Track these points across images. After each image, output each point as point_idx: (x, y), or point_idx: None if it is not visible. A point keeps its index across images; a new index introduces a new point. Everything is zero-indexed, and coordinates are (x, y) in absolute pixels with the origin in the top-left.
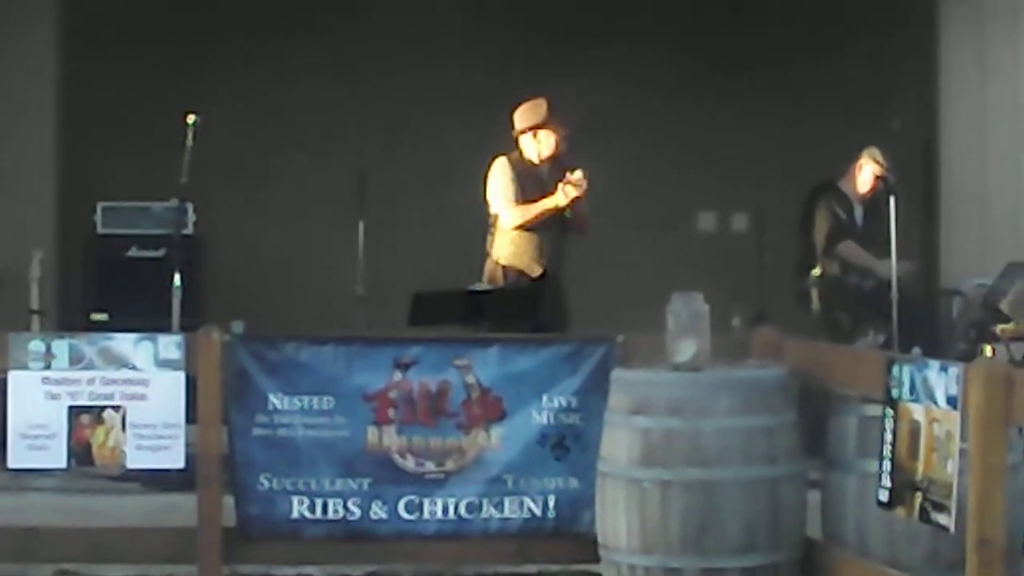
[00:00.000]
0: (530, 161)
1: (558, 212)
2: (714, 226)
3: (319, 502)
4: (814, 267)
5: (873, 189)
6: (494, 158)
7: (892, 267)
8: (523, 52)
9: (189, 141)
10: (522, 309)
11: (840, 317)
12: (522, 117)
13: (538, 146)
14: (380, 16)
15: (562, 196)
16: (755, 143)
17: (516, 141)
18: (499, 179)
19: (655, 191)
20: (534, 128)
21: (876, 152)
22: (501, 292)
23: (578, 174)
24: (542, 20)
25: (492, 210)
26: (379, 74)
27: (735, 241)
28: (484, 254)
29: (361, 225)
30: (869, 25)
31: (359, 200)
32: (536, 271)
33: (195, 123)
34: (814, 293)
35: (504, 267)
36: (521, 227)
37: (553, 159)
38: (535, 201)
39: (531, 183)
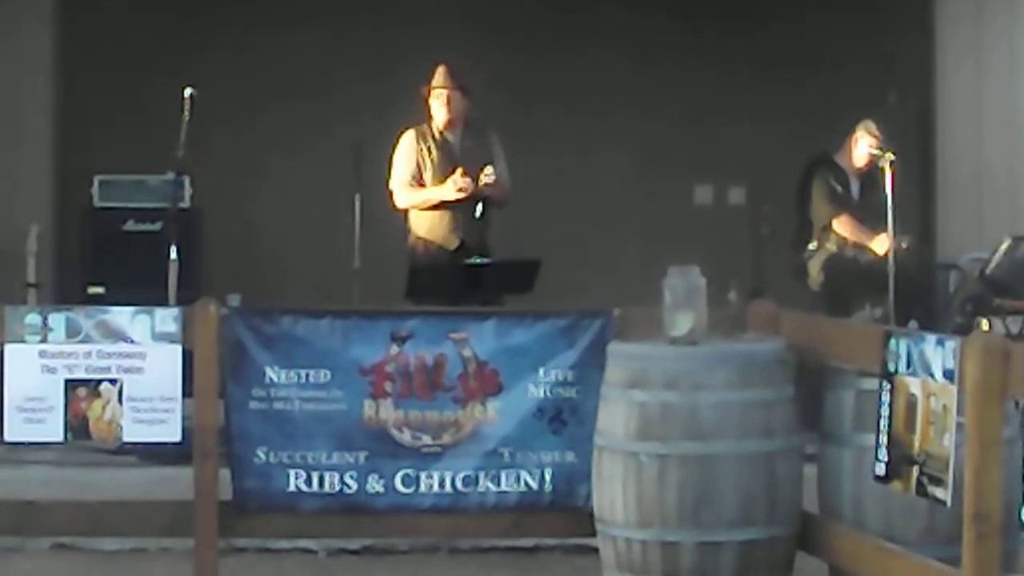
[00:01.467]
0: (438, 128)
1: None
2: (711, 199)
3: (316, 475)
4: (810, 240)
5: (869, 163)
6: (402, 131)
7: (888, 241)
8: (519, 23)
9: (186, 114)
10: (519, 282)
11: (837, 290)
12: (432, 79)
13: (435, 109)
14: None
15: (450, 189)
16: (751, 116)
17: (426, 104)
18: (397, 157)
19: (652, 165)
20: (430, 90)
21: (872, 125)
22: (498, 265)
23: (489, 170)
24: (532, 5)
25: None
26: (376, 47)
27: (732, 214)
28: (405, 230)
29: (357, 198)
30: (867, 1)
31: (355, 174)
32: (454, 243)
33: (192, 96)
34: (811, 266)
35: (424, 240)
36: (406, 209)
37: (452, 124)
38: (436, 171)
39: (440, 156)
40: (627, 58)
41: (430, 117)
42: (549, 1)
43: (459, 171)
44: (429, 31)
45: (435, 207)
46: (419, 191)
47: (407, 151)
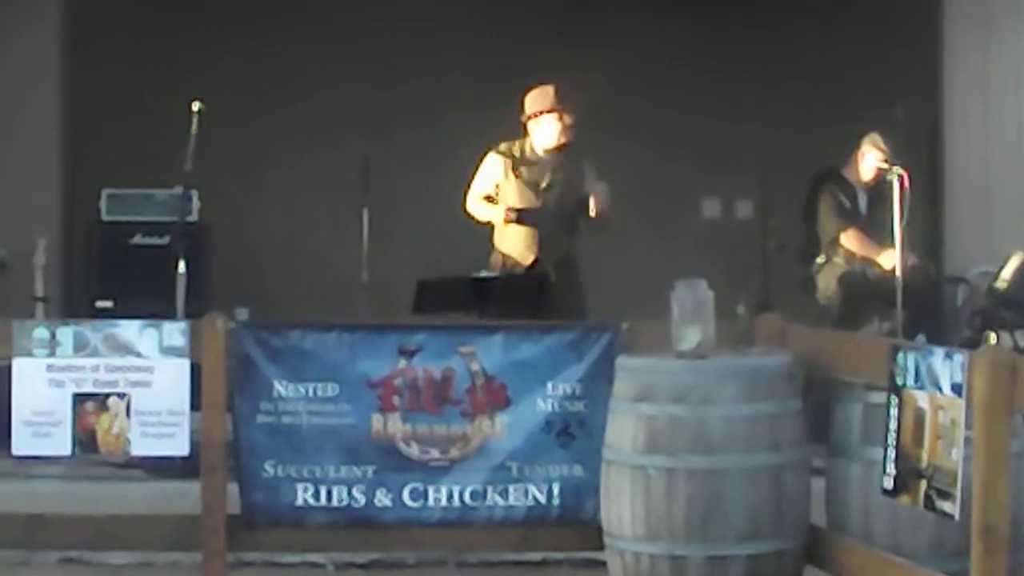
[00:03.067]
0: (532, 150)
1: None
2: (719, 213)
3: (323, 489)
4: (818, 254)
5: (877, 177)
6: (487, 150)
7: (896, 255)
8: (528, 39)
9: (194, 128)
10: (528, 296)
11: (845, 304)
12: (529, 102)
13: (541, 133)
14: (386, 5)
15: (500, 217)
16: (759, 130)
17: (525, 127)
18: (483, 165)
19: (659, 178)
20: (538, 114)
21: (878, 138)
22: (506, 279)
23: (599, 188)
24: (547, 6)
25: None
26: (383, 60)
27: (739, 228)
28: (490, 246)
29: (365, 212)
30: (873, 11)
31: (363, 187)
32: (528, 259)
33: (200, 110)
34: (819, 280)
35: (504, 256)
36: (481, 222)
37: (559, 149)
38: (523, 190)
39: (528, 171)
40: (634, 69)
41: (526, 134)
42: (560, 12)
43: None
44: (437, 43)
45: (517, 225)
46: (481, 206)
47: (487, 167)
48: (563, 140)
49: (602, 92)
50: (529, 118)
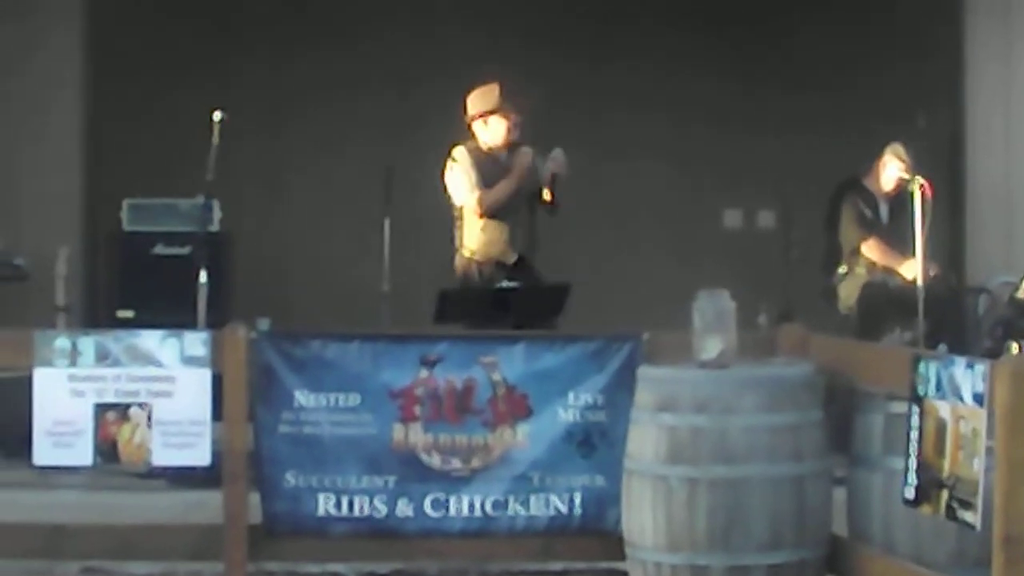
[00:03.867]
0: (487, 148)
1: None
2: (740, 223)
3: (345, 499)
4: (840, 264)
5: (898, 187)
6: (451, 148)
7: (917, 264)
8: (549, 51)
9: (215, 138)
10: (549, 306)
11: (866, 314)
12: (473, 103)
13: (490, 133)
14: (408, 14)
15: (519, 166)
16: (781, 140)
17: (469, 127)
18: (459, 168)
19: (681, 188)
20: (484, 114)
21: (900, 149)
22: (528, 290)
23: (557, 152)
24: (568, 17)
25: (456, 202)
26: (405, 70)
27: (761, 238)
28: (453, 250)
29: (387, 222)
30: (895, 22)
31: (385, 197)
32: (511, 258)
33: (221, 120)
34: (840, 290)
35: (478, 261)
36: (493, 211)
37: (507, 147)
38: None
39: (491, 171)
40: (656, 81)
41: (474, 136)
42: (582, 24)
43: (557, 150)
44: (458, 51)
45: (497, 214)
46: (498, 186)
47: (466, 160)
48: (510, 139)
49: (545, 94)
50: (473, 119)
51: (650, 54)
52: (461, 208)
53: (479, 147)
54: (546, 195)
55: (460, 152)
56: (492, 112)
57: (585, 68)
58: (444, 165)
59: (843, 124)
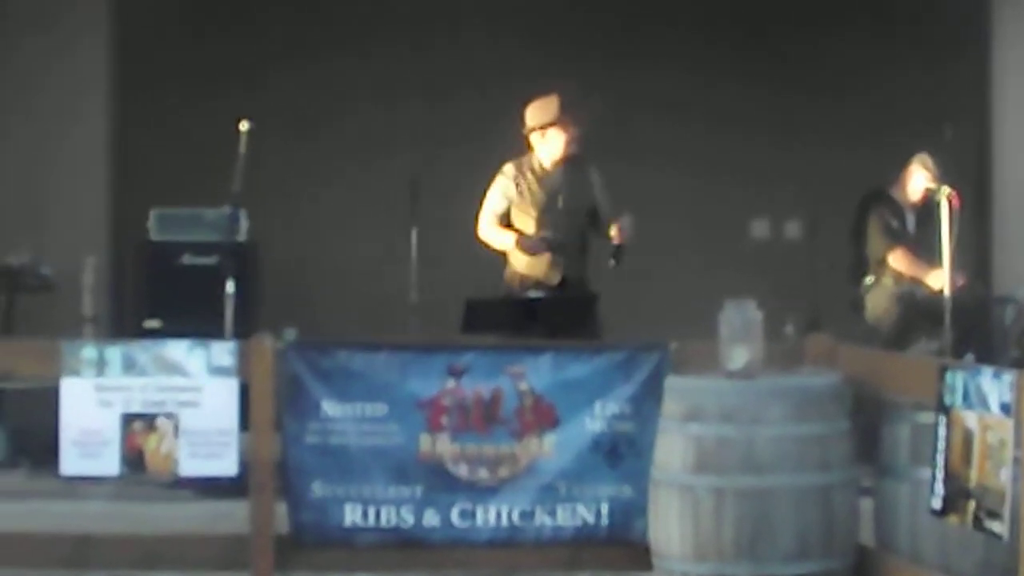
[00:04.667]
0: (540, 163)
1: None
2: (767, 233)
3: (372, 509)
4: (867, 274)
5: (925, 197)
6: (503, 163)
7: (944, 275)
8: (576, 60)
9: (242, 148)
10: (576, 316)
11: (893, 324)
12: (531, 115)
13: (548, 146)
14: (435, 25)
15: (515, 246)
16: (808, 150)
17: (527, 140)
18: (496, 186)
19: (708, 198)
20: (543, 127)
21: (927, 159)
22: (555, 300)
23: (627, 221)
24: (595, 25)
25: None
26: (432, 79)
27: (788, 248)
28: (503, 263)
29: (414, 232)
30: (922, 31)
31: (412, 207)
32: (555, 279)
33: (248, 130)
34: (867, 300)
35: (522, 276)
36: (482, 243)
37: (565, 160)
38: (537, 206)
39: (539, 186)
40: (683, 90)
41: (531, 148)
42: (609, 32)
43: (537, 237)
44: (485, 60)
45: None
46: (498, 232)
47: (502, 183)
48: (570, 152)
49: (606, 107)
50: (532, 131)
51: (678, 63)
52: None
53: (532, 162)
54: (611, 260)
55: (507, 169)
56: (551, 124)
57: (612, 77)
58: (488, 176)
59: (870, 134)
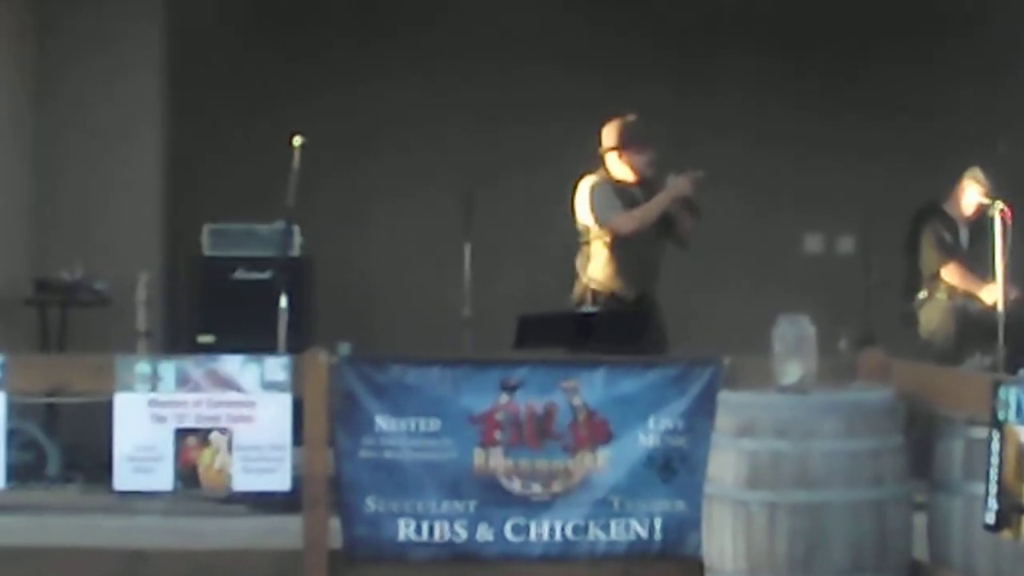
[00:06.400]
0: (618, 181)
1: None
2: (821, 248)
3: (425, 524)
4: (920, 289)
5: (978, 211)
6: (582, 176)
7: (998, 289)
8: (630, 82)
9: (295, 163)
10: (629, 331)
11: (946, 339)
12: (608, 135)
13: (623, 167)
14: (488, 46)
15: (678, 187)
16: (861, 166)
17: (602, 159)
18: (599, 192)
19: (762, 214)
20: (620, 148)
21: (979, 173)
22: (608, 314)
23: (700, 173)
24: (649, 47)
25: (594, 227)
26: (486, 92)
27: (841, 263)
28: (574, 276)
29: (468, 247)
30: (975, 46)
31: (466, 222)
32: (630, 295)
33: (301, 145)
34: (921, 315)
35: (594, 290)
36: (638, 230)
37: (640, 183)
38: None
39: (624, 204)
40: (737, 107)
41: (606, 168)
42: (662, 55)
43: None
44: (537, 74)
45: (620, 249)
46: (646, 204)
47: (604, 186)
48: (646, 175)
49: (666, 130)
50: (608, 151)
51: (731, 82)
52: (587, 236)
53: (611, 178)
54: (685, 223)
55: (593, 179)
56: (628, 146)
57: (667, 97)
58: (574, 192)
59: (924, 149)
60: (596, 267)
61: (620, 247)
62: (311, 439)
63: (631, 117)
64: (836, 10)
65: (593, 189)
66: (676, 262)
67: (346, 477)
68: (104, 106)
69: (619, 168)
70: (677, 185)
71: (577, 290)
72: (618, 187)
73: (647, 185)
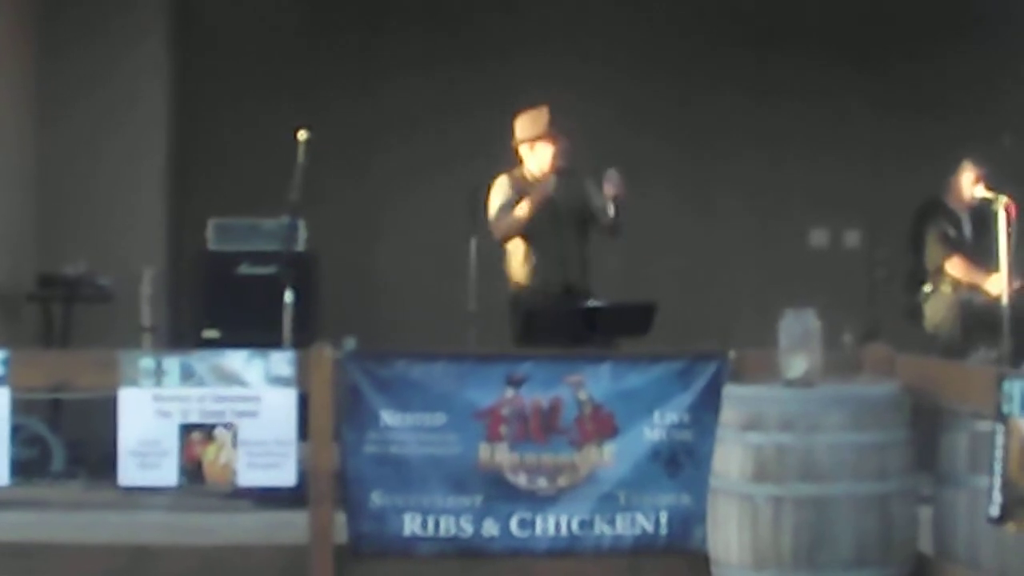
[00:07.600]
0: (532, 175)
1: (547, 203)
2: (826, 242)
3: (431, 519)
4: (925, 283)
5: (974, 196)
6: (496, 176)
7: (1003, 282)
8: (637, 65)
9: (300, 158)
10: (636, 325)
11: (951, 332)
12: (520, 128)
13: (536, 159)
14: (495, 41)
15: (540, 190)
16: (867, 160)
17: (516, 152)
18: (493, 191)
19: (768, 208)
20: (531, 140)
21: (971, 162)
22: (614, 308)
23: (612, 172)
24: (657, 45)
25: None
26: (492, 89)
27: (847, 257)
28: (507, 280)
29: (473, 242)
30: (980, 44)
31: (471, 216)
32: (555, 289)
33: (306, 139)
34: (926, 309)
35: (516, 290)
36: (512, 233)
37: (554, 173)
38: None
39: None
40: (744, 102)
41: (521, 162)
42: (666, 42)
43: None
44: (546, 72)
45: (536, 244)
46: (508, 214)
47: (502, 190)
48: (558, 164)
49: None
50: (521, 143)
51: (740, 78)
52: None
53: (524, 174)
54: (610, 211)
55: (499, 181)
56: (539, 138)
57: (673, 95)
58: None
59: (928, 144)
60: (514, 267)
61: (534, 243)
62: (316, 434)
63: (541, 108)
64: (842, 8)
65: (492, 187)
66: (682, 255)
67: (352, 472)
68: (107, 99)
69: (532, 160)
70: (545, 187)
71: (511, 292)
72: (526, 184)
73: (563, 174)
